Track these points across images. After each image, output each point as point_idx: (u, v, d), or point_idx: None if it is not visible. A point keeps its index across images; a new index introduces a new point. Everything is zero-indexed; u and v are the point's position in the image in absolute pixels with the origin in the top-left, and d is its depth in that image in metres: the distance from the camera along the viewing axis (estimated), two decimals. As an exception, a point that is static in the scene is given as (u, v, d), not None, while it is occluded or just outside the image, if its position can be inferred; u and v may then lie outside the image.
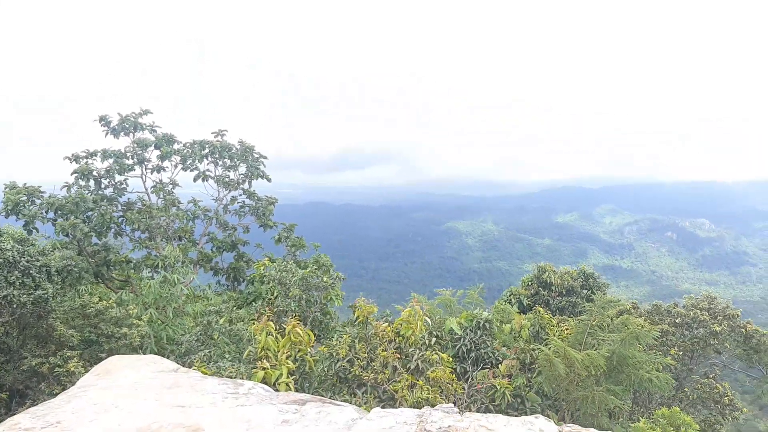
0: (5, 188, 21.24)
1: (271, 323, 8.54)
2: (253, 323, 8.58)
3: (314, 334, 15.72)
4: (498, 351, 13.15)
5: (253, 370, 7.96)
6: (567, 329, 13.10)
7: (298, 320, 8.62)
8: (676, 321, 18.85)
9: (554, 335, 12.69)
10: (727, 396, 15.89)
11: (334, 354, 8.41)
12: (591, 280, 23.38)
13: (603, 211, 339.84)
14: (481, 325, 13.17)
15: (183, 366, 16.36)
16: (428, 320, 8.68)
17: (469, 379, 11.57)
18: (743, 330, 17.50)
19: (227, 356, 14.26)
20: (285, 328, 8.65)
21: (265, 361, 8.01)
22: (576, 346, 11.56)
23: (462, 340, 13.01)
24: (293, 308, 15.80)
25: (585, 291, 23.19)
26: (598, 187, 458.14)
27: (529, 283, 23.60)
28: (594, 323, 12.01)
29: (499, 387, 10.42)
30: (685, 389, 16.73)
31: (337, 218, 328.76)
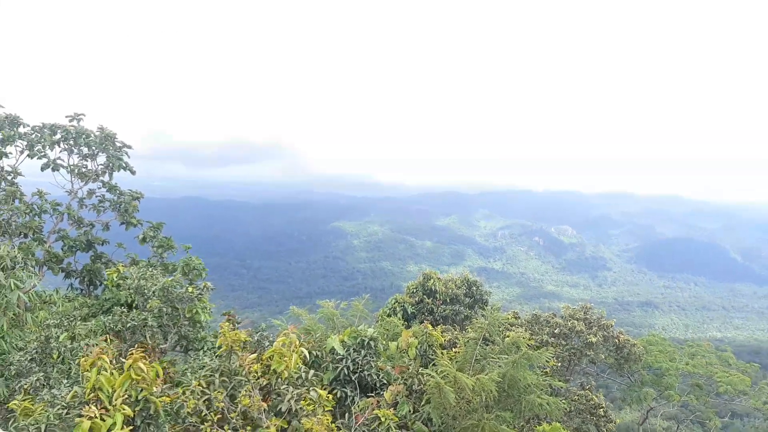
0: None
1: (105, 357, 6.73)
2: (84, 356, 6.72)
3: (169, 363, 13.74)
4: (382, 371, 12.12)
5: (77, 419, 6.16)
6: (455, 352, 12.38)
7: (147, 346, 6.90)
8: (555, 331, 19.08)
9: (442, 355, 11.89)
10: (601, 407, 16.19)
11: (180, 409, 6.77)
12: (474, 288, 23.30)
13: (479, 216, 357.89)
14: (366, 343, 12.06)
15: (10, 395, 13.61)
16: (305, 352, 7.36)
17: (351, 408, 10.40)
18: (616, 340, 18.06)
19: (65, 381, 11.97)
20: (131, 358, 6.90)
21: (93, 406, 6.24)
22: (465, 367, 10.83)
23: (344, 360, 11.81)
24: (150, 323, 13.72)
25: (468, 299, 23.07)
26: (474, 193, 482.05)
27: (414, 291, 23.04)
28: (482, 341, 11.37)
29: (383, 419, 9.35)
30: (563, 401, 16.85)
31: (216, 214, 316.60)
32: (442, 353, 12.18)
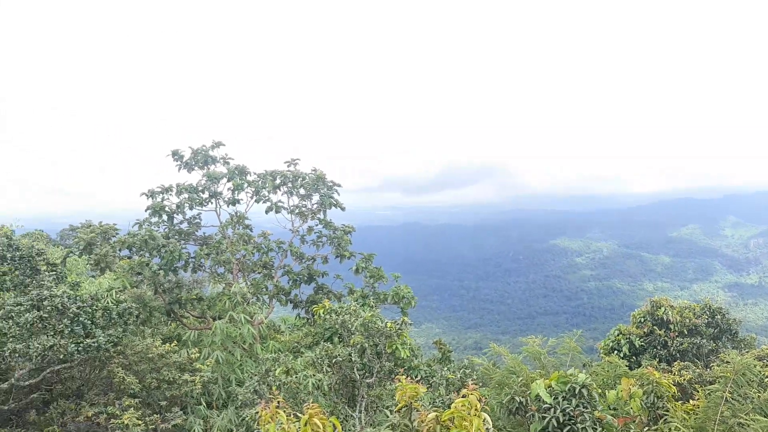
0: (80, 228, 21.33)
1: (281, 411, 6.57)
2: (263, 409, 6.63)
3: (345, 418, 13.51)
4: (602, 421, 10.35)
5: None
6: (694, 405, 10.03)
7: (319, 410, 6.57)
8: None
9: (675, 409, 9.70)
10: None
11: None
12: (719, 316, 19.48)
13: (725, 224, 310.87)
14: (577, 391, 10.43)
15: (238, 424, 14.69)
16: (488, 419, 6.34)
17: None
18: None
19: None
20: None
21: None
22: (707, 428, 8.61)
23: (552, 410, 10.34)
24: (353, 359, 13.85)
25: (711, 329, 19.36)
26: (717, 198, 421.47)
27: (642, 320, 20.08)
28: (729, 396, 8.97)
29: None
30: None
31: (433, 239, 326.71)
32: (675, 406, 9.97)
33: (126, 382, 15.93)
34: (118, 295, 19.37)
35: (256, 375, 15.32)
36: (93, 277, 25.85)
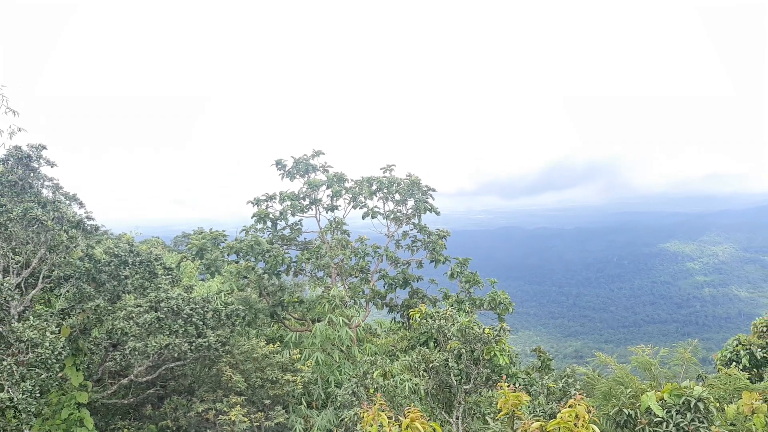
0: (192, 235, 22.89)
1: (383, 414, 6.67)
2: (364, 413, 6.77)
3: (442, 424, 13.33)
4: (721, 439, 9.58)
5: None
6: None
7: (420, 417, 6.60)
8: None
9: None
10: None
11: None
12: None
13: None
14: (692, 405, 9.72)
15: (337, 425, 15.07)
16: (597, 430, 6.06)
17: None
18: None
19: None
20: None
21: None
22: None
23: (665, 424, 9.71)
24: (450, 364, 13.76)
25: None
26: None
27: (765, 330, 18.29)
28: None
29: None
30: None
31: (530, 243, 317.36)
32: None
33: (233, 381, 16.86)
34: (226, 298, 20.58)
35: (354, 377, 15.67)
36: (204, 280, 27.67)
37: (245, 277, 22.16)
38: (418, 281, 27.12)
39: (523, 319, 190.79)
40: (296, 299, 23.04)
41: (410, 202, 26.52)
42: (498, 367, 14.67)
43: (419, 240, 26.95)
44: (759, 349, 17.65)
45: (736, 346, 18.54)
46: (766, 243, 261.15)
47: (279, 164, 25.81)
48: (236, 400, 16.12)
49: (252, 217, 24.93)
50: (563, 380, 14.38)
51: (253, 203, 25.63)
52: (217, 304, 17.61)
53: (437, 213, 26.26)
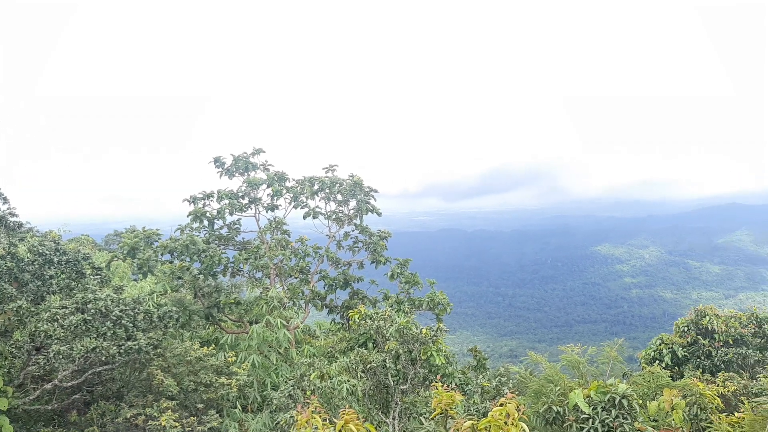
0: (124, 233, 21.98)
1: (317, 417, 6.59)
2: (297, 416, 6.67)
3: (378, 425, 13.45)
4: (643, 432, 10.03)
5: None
6: (739, 418, 9.61)
7: (353, 418, 6.55)
8: None
9: (719, 422, 9.32)
10: None
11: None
12: (766, 326, 18.70)
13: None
14: (617, 402, 10.15)
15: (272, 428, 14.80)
16: (526, 428, 6.21)
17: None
18: None
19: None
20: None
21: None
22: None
23: (591, 421, 10.09)
24: (388, 365, 13.80)
25: (758, 340, 18.61)
26: (763, 204, 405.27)
27: (685, 330, 19.41)
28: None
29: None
30: None
31: (470, 244, 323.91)
32: (719, 418, 9.59)
33: (164, 385, 16.28)
34: (159, 299, 19.87)
35: (291, 379, 15.46)
36: (136, 281, 26.59)
37: (180, 278, 21.46)
38: (358, 282, 27.06)
39: (462, 319, 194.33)
40: (233, 300, 22.50)
41: (352, 203, 26.45)
42: (435, 367, 14.84)
43: (361, 241, 26.91)
44: (680, 348, 18.70)
45: (660, 345, 19.59)
46: (690, 247, 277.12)
47: (218, 162, 25.18)
48: (167, 405, 15.57)
49: (188, 216, 24.19)
50: (497, 379, 14.76)
51: (189, 201, 24.87)
52: (149, 306, 16.99)
53: (379, 214, 26.32)
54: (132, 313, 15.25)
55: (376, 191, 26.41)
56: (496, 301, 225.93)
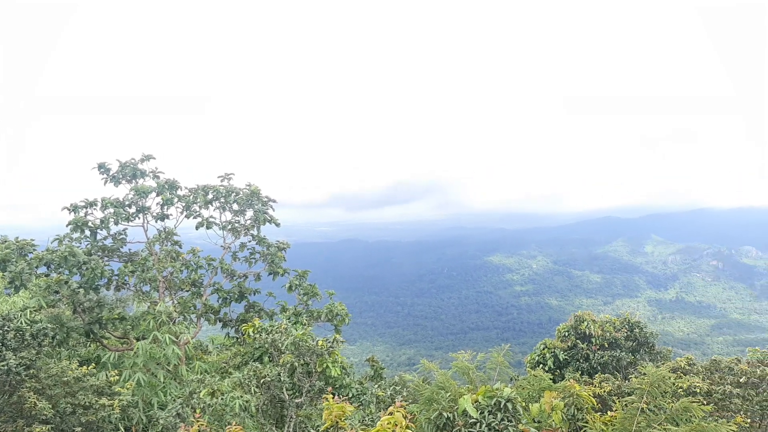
0: (-7, 243, 19.98)
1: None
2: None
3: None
4: (525, 434, 10.58)
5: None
6: (612, 416, 10.47)
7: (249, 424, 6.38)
8: (740, 380, 15.83)
9: (594, 421, 10.08)
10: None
11: None
12: (637, 330, 20.47)
13: (645, 242, 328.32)
14: (502, 405, 10.64)
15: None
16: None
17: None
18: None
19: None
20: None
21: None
22: (623, 439, 8.99)
23: (478, 425, 10.49)
24: (283, 378, 13.57)
25: (630, 343, 20.32)
26: (636, 217, 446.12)
27: (566, 335, 20.82)
28: (646, 406, 9.42)
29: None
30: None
31: (370, 255, 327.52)
32: (594, 417, 10.36)
33: (37, 408, 14.92)
34: (32, 315, 18.18)
35: (179, 397, 14.75)
36: (7, 295, 24.19)
37: (57, 292, 19.80)
38: (255, 294, 26.36)
39: (362, 329, 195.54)
40: (117, 316, 21.08)
41: (249, 213, 25.77)
42: (331, 379, 14.80)
43: (258, 252, 26.25)
44: (562, 352, 19.97)
45: (543, 349, 20.81)
46: (572, 257, 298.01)
47: (102, 168, 23.56)
48: (40, 430, 14.30)
49: (67, 225, 22.41)
50: (392, 388, 14.97)
51: (69, 210, 23.06)
52: (22, 323, 15.54)
53: (277, 224, 25.84)
54: (1, 331, 13.87)
55: (274, 201, 25.94)
56: (396, 311, 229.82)
